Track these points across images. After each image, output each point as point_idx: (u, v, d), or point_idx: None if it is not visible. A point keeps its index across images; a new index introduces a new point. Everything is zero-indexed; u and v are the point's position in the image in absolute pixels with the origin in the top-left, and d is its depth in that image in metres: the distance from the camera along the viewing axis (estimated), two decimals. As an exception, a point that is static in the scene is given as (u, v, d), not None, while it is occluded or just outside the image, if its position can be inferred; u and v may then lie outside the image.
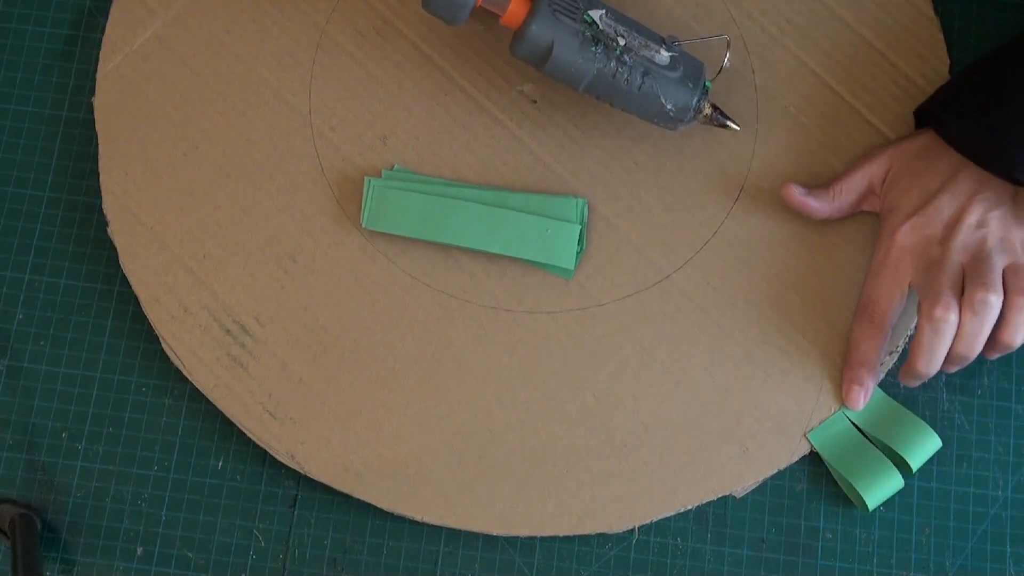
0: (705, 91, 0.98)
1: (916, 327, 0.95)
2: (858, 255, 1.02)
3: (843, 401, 0.99)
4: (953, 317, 0.93)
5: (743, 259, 1.02)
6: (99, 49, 1.07)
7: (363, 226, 1.02)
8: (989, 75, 0.97)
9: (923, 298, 0.95)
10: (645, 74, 0.96)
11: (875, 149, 1.02)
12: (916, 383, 0.98)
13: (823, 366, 1.00)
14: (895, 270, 0.97)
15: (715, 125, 1.00)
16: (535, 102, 1.05)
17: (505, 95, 1.05)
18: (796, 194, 1.00)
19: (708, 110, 0.99)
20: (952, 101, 0.98)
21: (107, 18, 1.08)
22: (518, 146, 1.05)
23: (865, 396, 0.99)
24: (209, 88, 1.06)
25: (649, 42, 0.96)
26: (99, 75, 1.07)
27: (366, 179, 1.02)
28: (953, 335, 0.94)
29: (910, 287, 0.97)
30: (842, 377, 1.00)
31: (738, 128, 1.00)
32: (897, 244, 0.97)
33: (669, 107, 0.97)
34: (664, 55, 0.96)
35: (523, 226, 1.01)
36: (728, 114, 1.00)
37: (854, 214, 1.02)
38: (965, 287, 0.94)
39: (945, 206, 0.96)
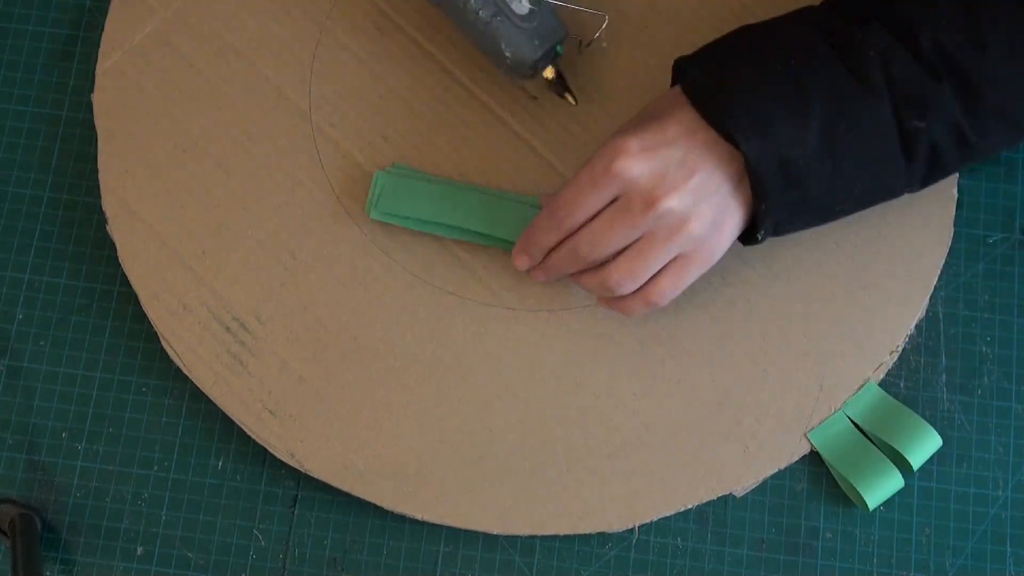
0: (554, 55, 0.99)
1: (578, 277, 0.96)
2: (859, 254, 1.01)
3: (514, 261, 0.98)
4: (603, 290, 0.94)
5: (743, 258, 1.02)
6: (99, 48, 1.07)
7: (371, 217, 1.01)
8: (738, 34, 0.94)
9: (593, 248, 0.93)
10: (496, 14, 0.97)
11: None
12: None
13: (823, 365, 1.00)
14: (601, 192, 0.91)
15: (554, 92, 1.02)
16: (536, 98, 1.05)
17: (506, 91, 1.05)
18: (523, 265, 0.99)
19: (550, 74, 1.00)
20: (701, 54, 0.94)
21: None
22: (519, 142, 1.04)
23: (531, 263, 0.98)
24: (209, 85, 1.06)
25: None
26: (98, 71, 1.06)
27: (377, 172, 1.02)
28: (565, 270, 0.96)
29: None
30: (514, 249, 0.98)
31: (574, 103, 1.02)
32: (616, 168, 0.90)
33: (508, 54, 0.98)
34: (524, 4, 0.97)
35: (528, 215, 1.01)
36: (572, 88, 1.01)
37: None
38: (622, 255, 0.92)
39: (675, 158, 0.90)
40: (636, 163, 0.90)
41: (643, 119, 0.92)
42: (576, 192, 0.92)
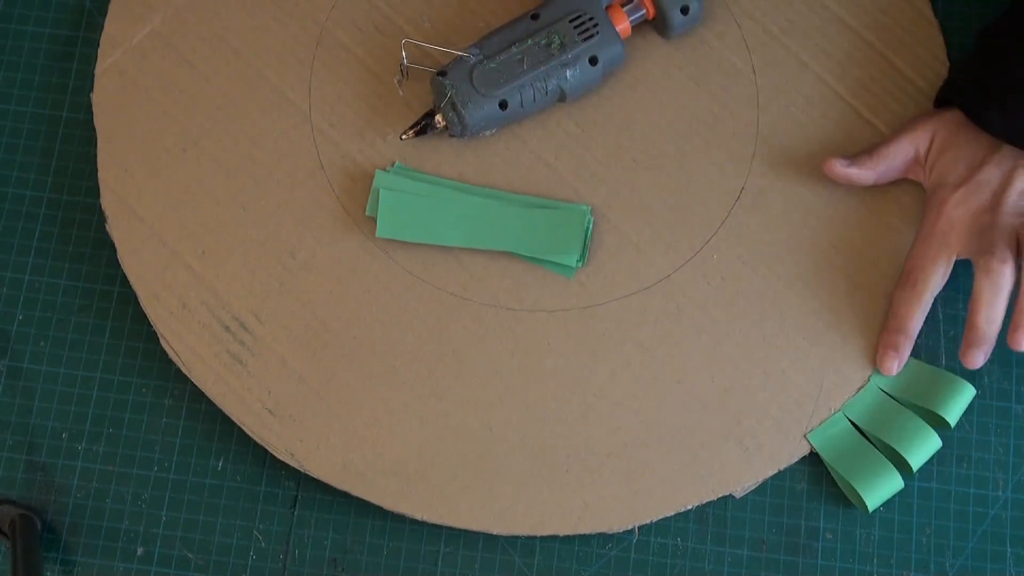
0: None
1: (974, 288, 0.96)
2: (859, 255, 1.02)
3: (877, 366, 1.00)
4: (1009, 270, 0.95)
5: (743, 259, 1.02)
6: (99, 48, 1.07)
7: (377, 236, 1.01)
8: (1001, 52, 0.99)
9: (978, 256, 0.96)
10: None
11: (916, 118, 1.03)
12: (979, 352, 0.97)
13: (823, 366, 1.00)
14: (942, 240, 0.98)
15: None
16: (536, 99, 1.05)
17: (506, 93, 1.05)
18: (839, 167, 1.01)
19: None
20: (974, 86, 0.99)
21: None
22: (519, 144, 1.04)
23: (899, 363, 0.99)
24: (208, 84, 1.06)
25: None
26: (97, 71, 1.06)
27: (380, 190, 1.02)
28: (1010, 289, 0.95)
29: (957, 258, 0.98)
30: (878, 343, 1.00)
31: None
32: (946, 215, 0.98)
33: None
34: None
35: (531, 222, 1.01)
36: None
37: (896, 181, 1.03)
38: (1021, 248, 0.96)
39: (991, 176, 0.98)
40: (959, 198, 0.99)
41: (955, 164, 1.00)
42: (918, 252, 1.00)
